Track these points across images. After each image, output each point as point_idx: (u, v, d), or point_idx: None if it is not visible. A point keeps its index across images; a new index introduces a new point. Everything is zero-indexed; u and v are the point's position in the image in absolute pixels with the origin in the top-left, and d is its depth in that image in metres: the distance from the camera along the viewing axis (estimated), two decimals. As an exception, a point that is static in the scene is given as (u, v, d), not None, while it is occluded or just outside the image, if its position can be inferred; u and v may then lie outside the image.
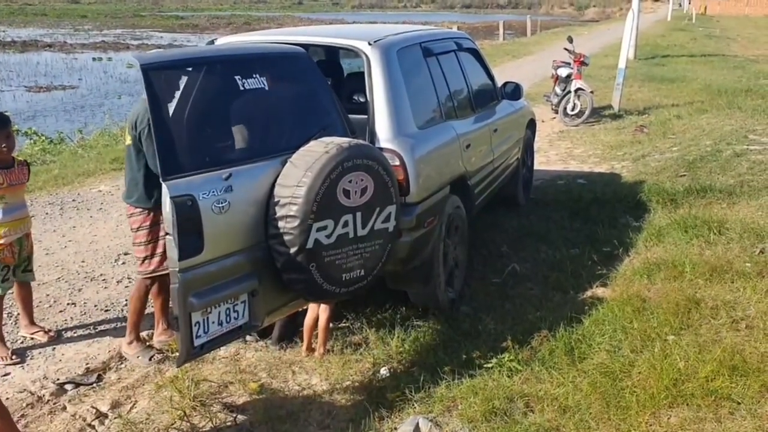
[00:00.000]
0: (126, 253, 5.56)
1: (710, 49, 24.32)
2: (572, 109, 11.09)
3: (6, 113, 3.98)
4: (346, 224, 3.19)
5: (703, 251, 4.92)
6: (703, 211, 5.77)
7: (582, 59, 11.29)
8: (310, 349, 3.95)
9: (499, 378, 3.47)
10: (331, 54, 5.09)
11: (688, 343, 3.60)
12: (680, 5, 65.94)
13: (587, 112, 10.95)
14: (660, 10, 59.81)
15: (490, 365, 3.61)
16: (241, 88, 3.15)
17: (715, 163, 7.56)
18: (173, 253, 2.74)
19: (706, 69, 17.87)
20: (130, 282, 5.03)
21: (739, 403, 3.08)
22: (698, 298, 4.13)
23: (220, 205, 2.86)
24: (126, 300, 4.72)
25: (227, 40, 4.60)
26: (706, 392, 3.14)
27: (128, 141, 3.71)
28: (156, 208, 3.64)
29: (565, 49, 11.79)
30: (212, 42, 4.67)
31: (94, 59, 27.21)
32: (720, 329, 3.79)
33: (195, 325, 2.84)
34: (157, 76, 2.85)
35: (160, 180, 2.73)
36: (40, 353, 4.06)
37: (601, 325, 3.94)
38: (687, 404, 3.11)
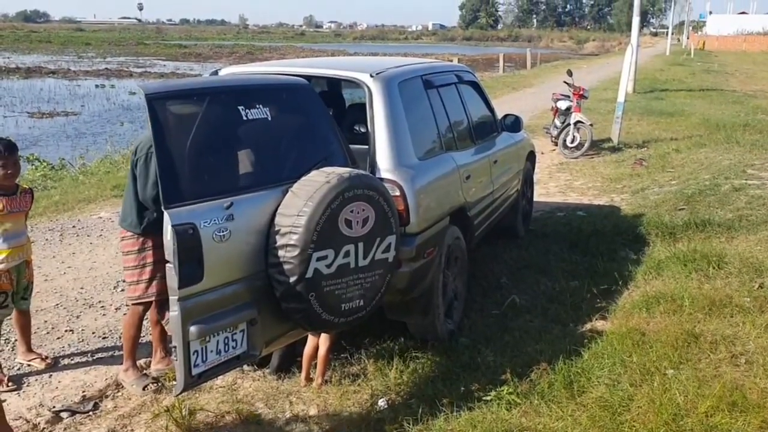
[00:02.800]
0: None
1: (708, 84, 24.57)
2: (572, 142, 11.17)
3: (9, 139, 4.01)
4: (347, 254, 3.20)
5: (702, 285, 4.92)
6: (702, 244, 5.78)
7: (581, 92, 11.40)
8: (309, 379, 3.93)
9: (498, 411, 3.44)
10: (333, 85, 5.14)
11: (687, 378, 3.58)
12: (679, 40, 66.90)
13: (586, 145, 11.03)
14: (659, 45, 60.65)
15: (489, 398, 3.59)
16: (244, 118, 3.18)
17: (714, 197, 7.59)
18: (173, 281, 2.74)
19: (705, 103, 18.03)
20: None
21: (739, 440, 3.06)
22: (697, 333, 4.12)
23: (221, 234, 2.88)
24: (124, 327, 4.71)
25: (231, 71, 4.66)
26: (706, 428, 3.13)
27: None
28: (145, 234, 3.69)
29: (565, 82, 11.92)
30: (216, 72, 4.72)
31: (97, 86, 27.48)
32: (719, 364, 3.77)
33: (193, 354, 2.83)
34: (161, 105, 2.89)
35: (162, 208, 2.75)
36: (36, 380, 4.04)
37: (600, 358, 3.92)
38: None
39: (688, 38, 65.27)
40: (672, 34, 55.26)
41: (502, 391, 3.60)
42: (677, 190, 8.23)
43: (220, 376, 3.71)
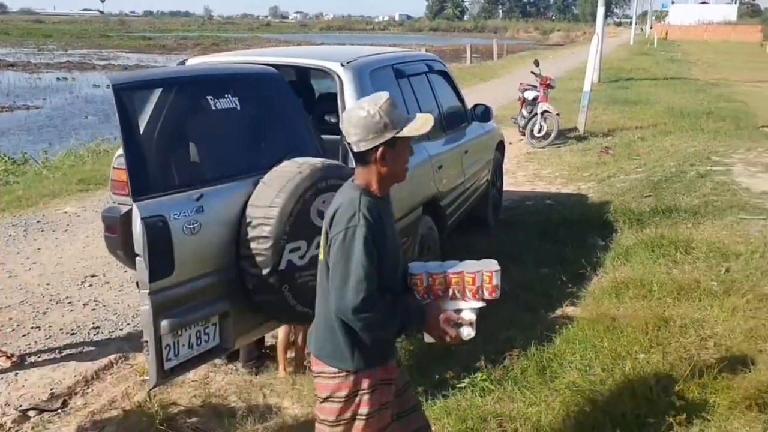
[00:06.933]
0: (93, 275, 5.46)
1: (672, 73, 24.97)
2: (539, 131, 11.26)
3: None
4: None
5: (670, 270, 5.00)
6: (669, 230, 5.88)
7: (548, 82, 11.50)
8: (286, 372, 3.91)
9: (472, 398, 3.47)
10: (303, 75, 5.09)
11: (657, 361, 3.64)
12: (642, 30, 67.76)
13: (553, 134, 11.12)
14: (623, 35, 61.39)
15: (462, 385, 3.61)
16: (213, 108, 3.13)
17: (680, 183, 7.72)
18: (143, 275, 2.70)
19: (669, 92, 18.32)
20: (96, 305, 4.93)
21: (709, 421, 3.12)
22: (667, 317, 4.19)
23: (191, 226, 2.83)
24: (93, 323, 4.63)
25: (198, 61, 4.59)
26: (677, 410, 3.18)
27: None
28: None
29: (532, 72, 12.00)
30: (183, 62, 4.64)
31: (58, 79, 26.86)
32: (689, 347, 3.85)
33: (165, 348, 2.79)
34: (129, 96, 2.82)
35: (131, 200, 2.70)
36: (2, 379, 3.94)
37: (572, 344, 3.97)
38: (659, 423, 3.13)
39: (651, 28, 66.19)
40: (636, 24, 55.87)
41: (476, 378, 3.63)
42: (643, 177, 8.36)
43: (193, 370, 3.68)
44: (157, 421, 3.40)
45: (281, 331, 3.86)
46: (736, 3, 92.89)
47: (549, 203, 7.62)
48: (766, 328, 4.02)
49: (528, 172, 9.56)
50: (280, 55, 4.75)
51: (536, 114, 11.28)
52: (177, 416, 3.53)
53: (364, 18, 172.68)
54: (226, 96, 3.20)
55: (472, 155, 5.67)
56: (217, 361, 3.96)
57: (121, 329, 4.59)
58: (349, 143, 2.23)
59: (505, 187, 7.58)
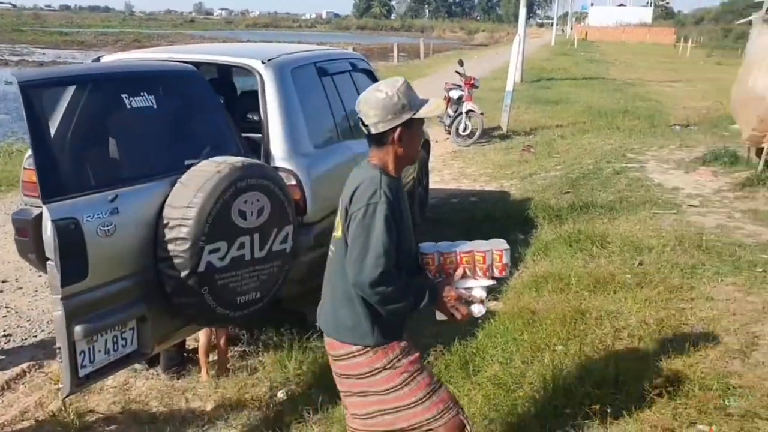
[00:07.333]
0: (4, 281, 5.22)
1: (591, 73, 25.79)
2: (464, 130, 11.45)
3: None
4: (242, 246, 3.13)
5: (587, 264, 5.18)
6: (586, 226, 6.08)
7: (472, 82, 11.69)
8: (209, 375, 3.84)
9: (397, 395, 3.49)
10: (224, 72, 5.01)
11: (575, 353, 3.77)
12: (563, 31, 69.80)
13: (478, 133, 11.33)
14: (545, 36, 63.07)
15: (387, 383, 3.62)
16: (129, 107, 3.05)
17: (597, 180, 8.00)
18: (55, 279, 2.60)
19: (588, 91, 18.92)
20: (8, 311, 4.72)
21: (623, 409, 3.25)
22: (584, 309, 4.34)
23: (106, 228, 2.75)
24: (4, 330, 4.43)
25: (115, 57, 4.45)
26: (592, 400, 3.29)
27: None
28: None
29: (457, 72, 12.17)
30: (98, 59, 4.49)
31: (-33, 75, 25.47)
32: (604, 338, 3.99)
33: (80, 355, 2.70)
34: (37, 94, 2.71)
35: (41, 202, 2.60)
36: None
37: (493, 337, 4.05)
38: (576, 412, 3.24)
39: (572, 29, 68.33)
40: (557, 25, 57.53)
41: (401, 375, 3.65)
42: (562, 174, 8.62)
43: (111, 377, 3.57)
44: (73, 431, 3.29)
45: (203, 334, 3.79)
46: (651, 5, 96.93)
47: (474, 201, 7.76)
48: (676, 318, 4.22)
49: (453, 170, 9.70)
50: (201, 52, 4.66)
51: (461, 113, 11.46)
52: (94, 424, 3.42)
53: (291, 15, 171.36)
54: (142, 94, 3.12)
55: (397, 154, 5.69)
56: (137, 366, 3.86)
57: (35, 336, 4.41)
58: (367, 125, 2.29)
59: (432, 185, 7.67)
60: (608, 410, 3.22)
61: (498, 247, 2.42)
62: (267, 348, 4.08)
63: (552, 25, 62.16)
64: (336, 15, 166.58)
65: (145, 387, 3.81)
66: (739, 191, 7.35)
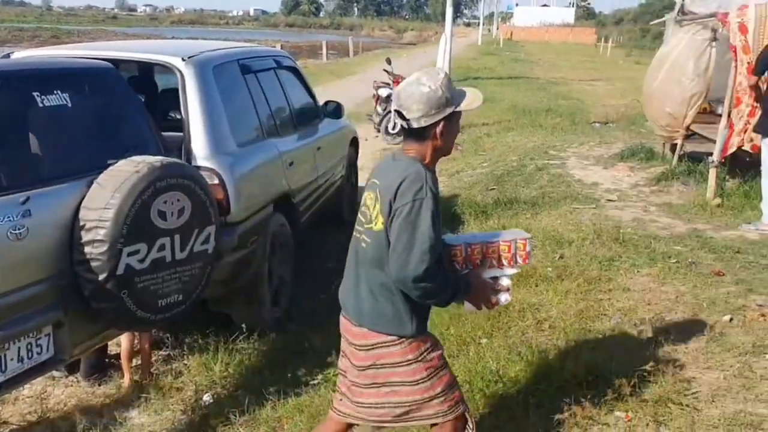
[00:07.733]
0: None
1: (516, 72, 26.39)
2: (393, 128, 11.47)
3: None
4: (162, 247, 3.06)
5: (511, 259, 5.29)
6: (510, 221, 6.22)
7: (400, 80, 11.76)
8: (133, 380, 3.74)
9: (325, 394, 3.49)
10: (145, 70, 4.89)
11: (499, 345, 3.85)
12: (489, 30, 71.12)
13: (407, 131, 11.41)
14: (472, 35, 64.02)
15: (316, 381, 3.63)
16: (41, 105, 2.93)
17: (520, 177, 8.20)
18: (-38, 286, 2.48)
19: (513, 90, 19.34)
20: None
21: (542, 399, 3.34)
22: (507, 303, 4.43)
23: (17, 232, 2.64)
24: None
25: (26, 54, 4.28)
26: (515, 391, 3.38)
27: None
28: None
29: (385, 70, 12.24)
30: (8, 55, 4.30)
31: None
32: (527, 330, 4.10)
33: (-10, 364, 2.59)
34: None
35: None
36: None
37: (421, 333, 4.09)
38: (501, 407, 3.31)
39: (497, 29, 69.69)
40: (483, 24, 58.65)
41: (329, 373, 3.66)
42: (488, 171, 8.80)
43: (27, 385, 3.44)
44: (-15, 444, 3.15)
45: (125, 339, 3.70)
46: (573, 6, 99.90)
47: (402, 198, 7.80)
48: (594, 309, 4.37)
49: (382, 168, 9.73)
50: (120, 49, 4.54)
51: (390, 111, 11.51)
52: (9, 436, 3.29)
53: (218, 12, 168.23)
54: (55, 92, 3.00)
55: (325, 151, 5.70)
56: (56, 373, 3.74)
57: None
58: (408, 119, 2.25)
59: (361, 183, 7.69)
60: (530, 400, 3.31)
61: (521, 236, 2.52)
62: (192, 351, 4.02)
63: (478, 25, 63.33)
64: (264, 12, 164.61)
65: (64, 395, 3.68)
66: (654, 186, 7.65)
